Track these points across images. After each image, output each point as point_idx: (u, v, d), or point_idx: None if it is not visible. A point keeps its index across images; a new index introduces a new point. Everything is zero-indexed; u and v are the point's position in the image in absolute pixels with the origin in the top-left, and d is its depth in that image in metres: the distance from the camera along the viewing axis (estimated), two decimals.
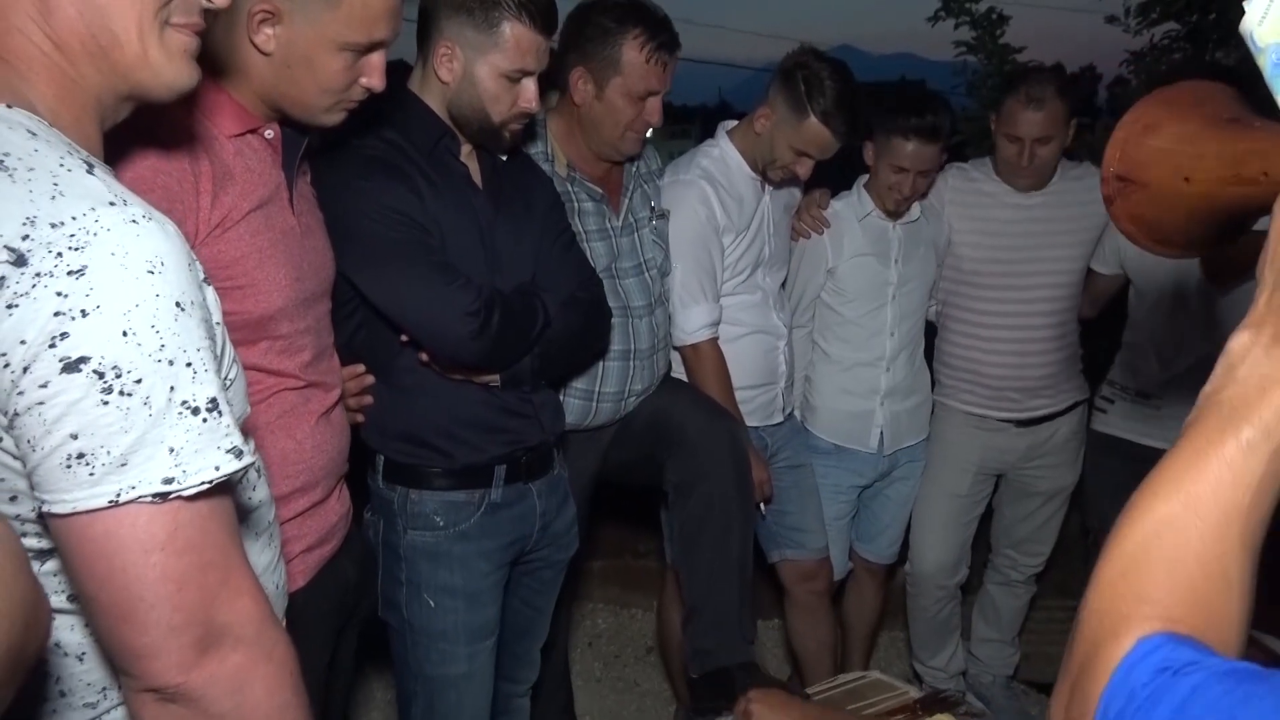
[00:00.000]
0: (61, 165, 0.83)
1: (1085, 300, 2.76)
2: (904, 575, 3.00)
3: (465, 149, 1.86)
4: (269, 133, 1.46)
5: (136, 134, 1.19)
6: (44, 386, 0.78)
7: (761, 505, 2.48)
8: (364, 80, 1.46)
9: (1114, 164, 0.89)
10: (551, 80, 2.14)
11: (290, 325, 1.45)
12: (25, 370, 0.78)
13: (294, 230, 1.47)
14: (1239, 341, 0.66)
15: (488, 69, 1.77)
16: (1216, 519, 0.63)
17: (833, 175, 2.65)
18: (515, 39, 1.75)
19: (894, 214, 2.61)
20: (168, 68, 0.95)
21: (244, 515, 1.05)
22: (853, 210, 2.64)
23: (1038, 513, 2.88)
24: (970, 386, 2.76)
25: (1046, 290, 2.67)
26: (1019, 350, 2.69)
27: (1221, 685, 0.56)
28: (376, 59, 1.46)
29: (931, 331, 2.85)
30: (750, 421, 2.46)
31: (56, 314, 0.77)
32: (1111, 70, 4.94)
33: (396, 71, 1.92)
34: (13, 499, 0.86)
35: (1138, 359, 2.66)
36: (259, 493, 1.11)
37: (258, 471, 1.10)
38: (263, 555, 1.12)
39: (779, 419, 2.60)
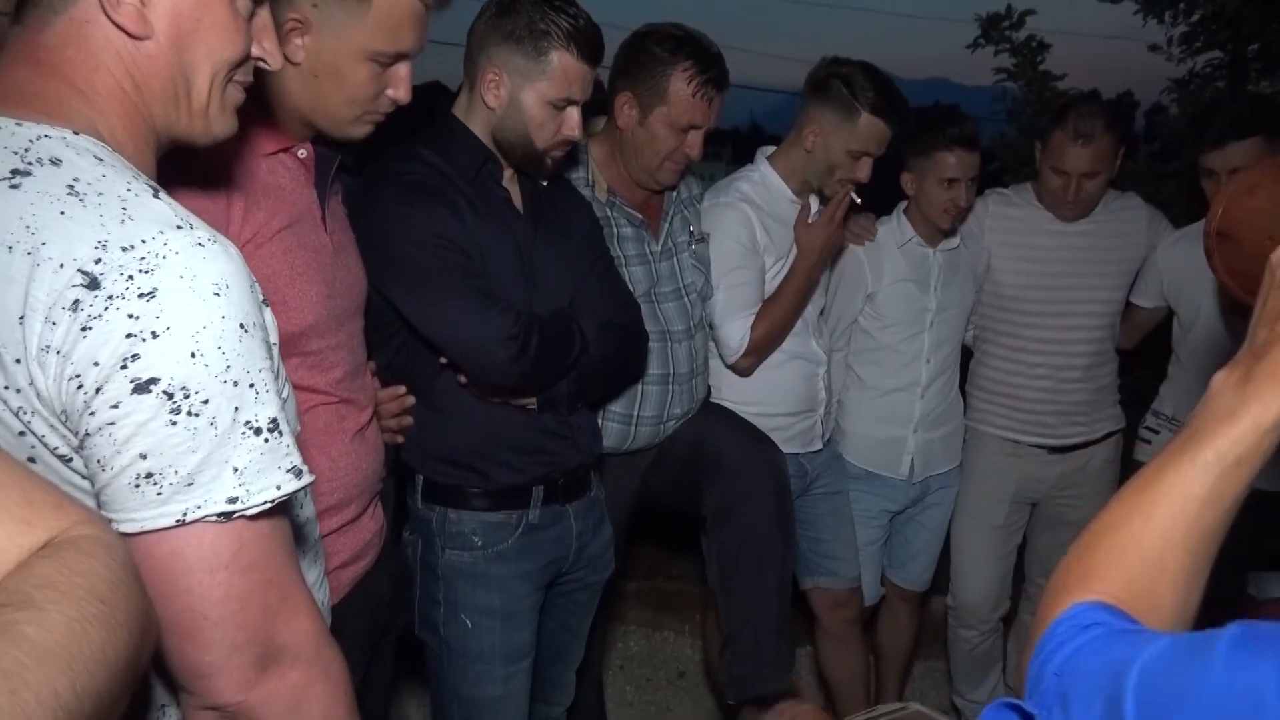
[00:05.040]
0: (129, 190, 0.85)
1: (1124, 331, 2.74)
2: (940, 604, 2.95)
3: (507, 174, 1.88)
4: (302, 152, 1.47)
5: (169, 151, 1.22)
6: (115, 407, 0.80)
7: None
8: (390, 92, 1.46)
9: (1215, 220, 0.99)
10: (598, 106, 2.16)
11: (322, 341, 1.46)
12: (98, 391, 0.79)
13: (326, 248, 1.49)
14: (1219, 377, 0.78)
15: (534, 96, 1.79)
16: (1163, 520, 0.74)
17: (873, 200, 2.65)
18: (563, 68, 1.77)
19: (949, 232, 2.61)
20: (219, 119, 1.00)
21: (294, 532, 1.06)
22: (893, 236, 2.63)
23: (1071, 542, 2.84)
24: (1005, 411, 2.74)
25: (1085, 318, 2.65)
26: (1056, 376, 2.67)
27: (1110, 637, 0.69)
28: (403, 70, 1.47)
29: (965, 355, 2.82)
30: (790, 448, 2.44)
31: (128, 335, 0.79)
32: (1150, 97, 4.91)
33: (438, 94, 1.94)
34: None
35: (1182, 390, 2.62)
36: (306, 510, 1.12)
37: (305, 489, 1.12)
38: (310, 571, 1.13)
39: (818, 445, 2.58)
